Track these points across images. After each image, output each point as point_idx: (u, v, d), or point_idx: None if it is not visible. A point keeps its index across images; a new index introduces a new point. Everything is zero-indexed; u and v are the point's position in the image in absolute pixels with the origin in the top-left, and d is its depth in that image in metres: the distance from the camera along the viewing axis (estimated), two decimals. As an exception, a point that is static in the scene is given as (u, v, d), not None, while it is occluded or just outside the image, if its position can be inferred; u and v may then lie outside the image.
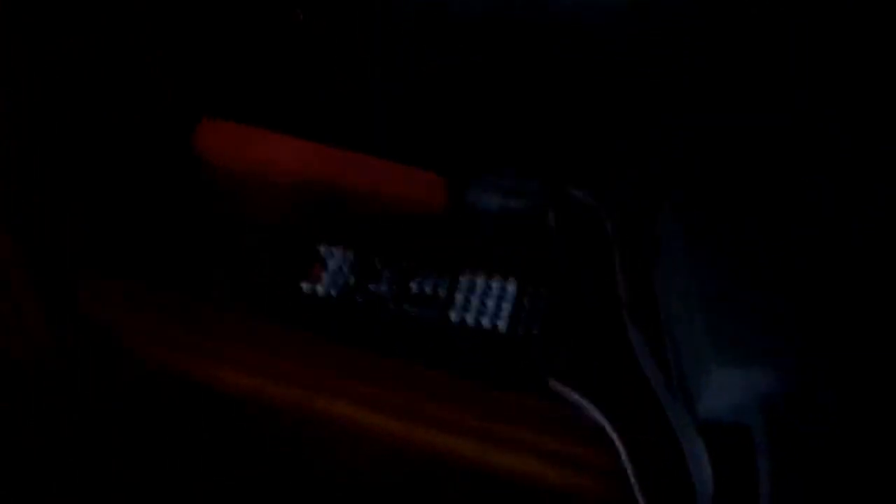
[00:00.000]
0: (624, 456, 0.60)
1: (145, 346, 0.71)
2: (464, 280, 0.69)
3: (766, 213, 0.67)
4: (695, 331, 0.60)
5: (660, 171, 0.74)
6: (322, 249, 0.71)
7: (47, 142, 0.67)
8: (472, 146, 0.77)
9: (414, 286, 0.69)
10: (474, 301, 0.68)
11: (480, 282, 0.69)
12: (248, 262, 0.73)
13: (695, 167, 0.73)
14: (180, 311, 0.70)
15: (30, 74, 0.63)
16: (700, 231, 0.65)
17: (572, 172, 0.75)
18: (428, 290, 0.68)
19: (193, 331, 0.70)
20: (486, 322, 0.67)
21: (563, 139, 0.76)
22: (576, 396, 0.63)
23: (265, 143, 0.75)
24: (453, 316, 0.67)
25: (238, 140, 0.75)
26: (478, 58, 0.75)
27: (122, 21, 0.71)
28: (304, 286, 0.69)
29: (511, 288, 0.68)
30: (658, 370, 0.64)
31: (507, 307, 0.67)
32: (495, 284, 0.68)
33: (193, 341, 0.69)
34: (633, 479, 0.59)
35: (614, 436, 0.61)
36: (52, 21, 0.64)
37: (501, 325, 0.67)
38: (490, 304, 0.68)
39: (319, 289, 0.69)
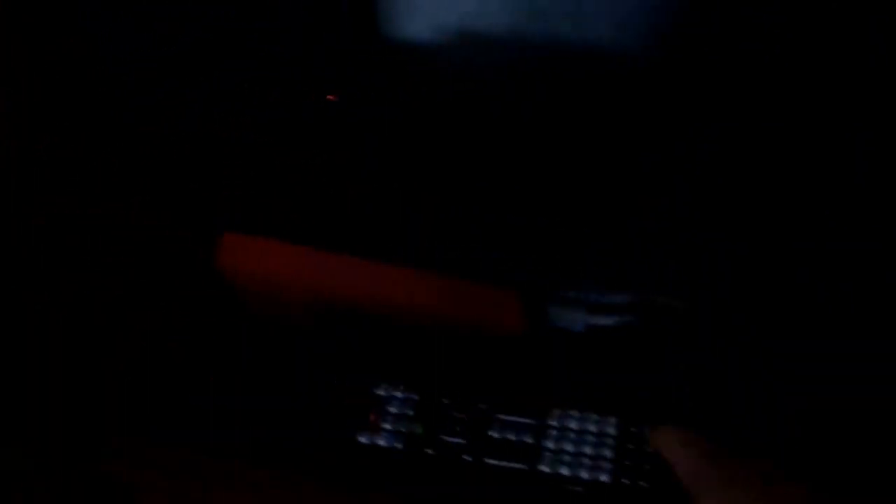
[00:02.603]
0: None
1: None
2: (553, 422, 0.57)
3: None
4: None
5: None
6: (379, 391, 0.60)
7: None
8: (544, 256, 0.66)
9: (495, 433, 0.57)
10: (568, 448, 0.56)
11: (574, 423, 0.57)
12: (289, 409, 0.62)
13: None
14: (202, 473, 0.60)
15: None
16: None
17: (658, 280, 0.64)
18: (512, 436, 0.57)
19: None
20: (584, 474, 0.55)
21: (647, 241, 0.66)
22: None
23: (300, 260, 0.64)
24: (544, 468, 0.56)
25: (267, 257, 0.64)
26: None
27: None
28: (362, 439, 0.58)
29: (611, 429, 0.57)
30: None
31: (608, 453, 0.56)
32: (592, 426, 0.57)
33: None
34: None
35: None
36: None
37: (604, 476, 0.55)
38: (588, 450, 0.56)
39: (380, 441, 0.58)
